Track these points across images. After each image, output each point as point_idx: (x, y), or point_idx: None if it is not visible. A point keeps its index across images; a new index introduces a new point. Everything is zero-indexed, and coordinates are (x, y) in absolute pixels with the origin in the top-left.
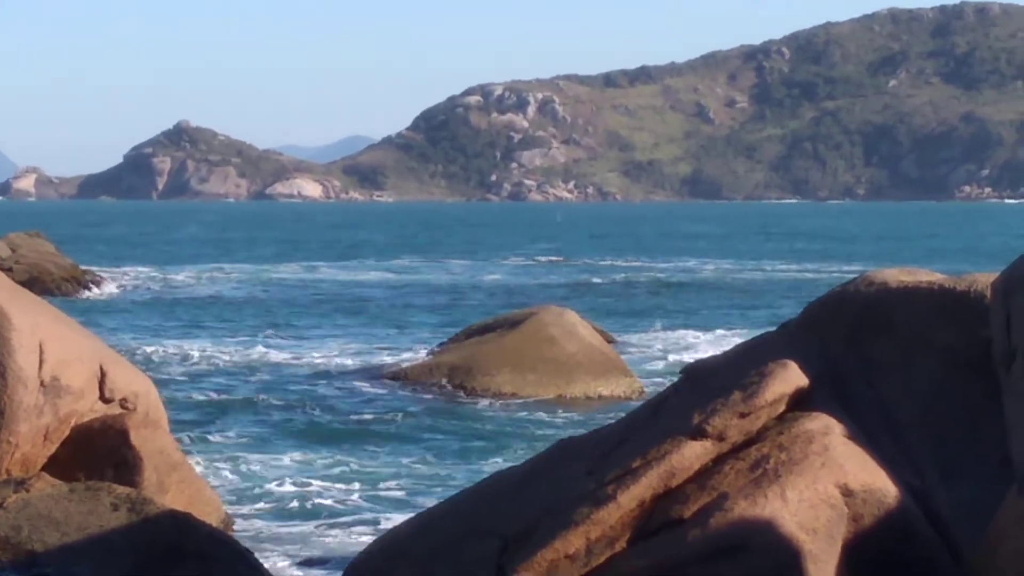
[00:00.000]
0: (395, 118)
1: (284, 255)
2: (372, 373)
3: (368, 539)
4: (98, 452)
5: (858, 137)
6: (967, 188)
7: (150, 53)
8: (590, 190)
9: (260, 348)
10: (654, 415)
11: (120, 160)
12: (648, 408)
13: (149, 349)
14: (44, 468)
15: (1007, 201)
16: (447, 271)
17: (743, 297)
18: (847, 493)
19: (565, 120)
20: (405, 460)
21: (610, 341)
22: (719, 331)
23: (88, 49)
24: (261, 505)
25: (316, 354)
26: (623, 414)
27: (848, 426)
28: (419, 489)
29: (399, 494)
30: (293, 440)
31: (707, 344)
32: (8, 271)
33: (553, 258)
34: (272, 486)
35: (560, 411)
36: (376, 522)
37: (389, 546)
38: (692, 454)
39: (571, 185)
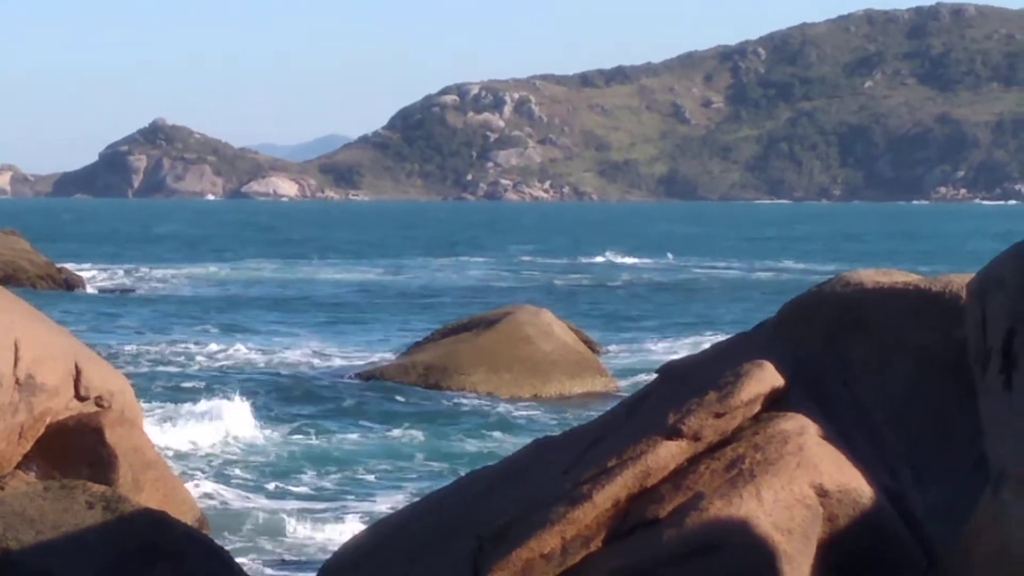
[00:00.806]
0: (371, 117)
1: (260, 254)
2: (346, 372)
3: (343, 538)
4: (73, 450)
5: (834, 138)
6: (942, 189)
7: (126, 50)
8: (566, 190)
9: (236, 346)
10: (630, 414)
11: (96, 158)
12: (624, 407)
13: (126, 347)
14: (18, 467)
15: (982, 203)
16: (424, 269)
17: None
18: (822, 493)
19: (541, 120)
20: (380, 458)
21: (585, 341)
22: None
23: (63, 46)
24: (236, 503)
25: (290, 352)
26: (599, 413)
27: (824, 426)
28: (394, 487)
29: (374, 492)
30: (267, 438)
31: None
32: None
33: (528, 257)
34: (246, 483)
35: (536, 410)
36: (351, 520)
37: (364, 545)
38: (667, 454)
39: (547, 185)
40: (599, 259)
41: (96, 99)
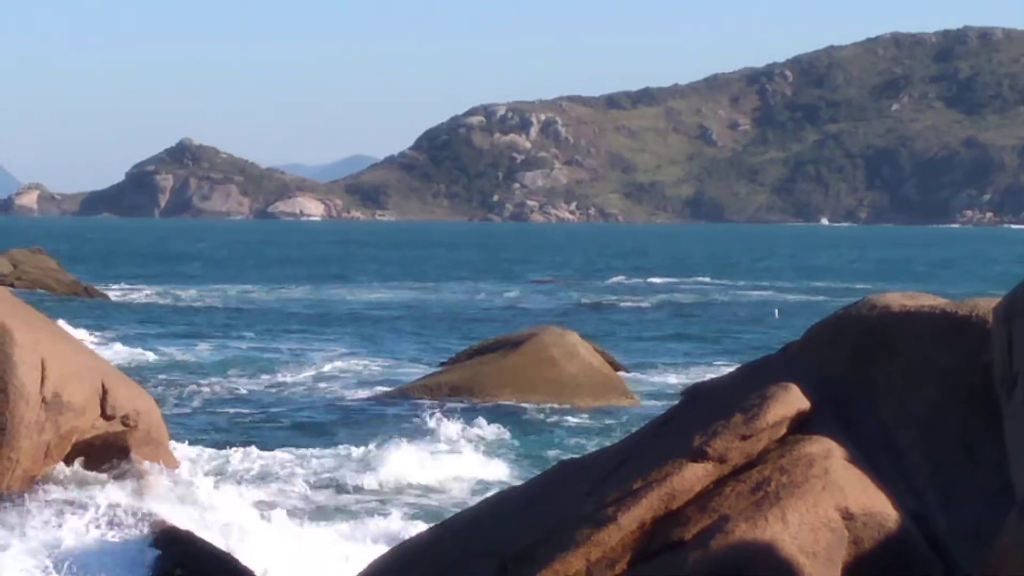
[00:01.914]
0: (398, 138)
1: (288, 275)
2: (374, 391)
3: (367, 555)
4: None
5: (860, 161)
6: (968, 212)
7: (154, 70)
8: (592, 211)
9: (262, 366)
10: (655, 436)
11: (123, 177)
12: (649, 429)
13: (146, 359)
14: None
15: (1010, 226)
16: (451, 291)
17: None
18: (848, 516)
19: (568, 141)
20: (406, 476)
21: (611, 363)
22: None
23: (92, 66)
24: (260, 521)
25: (317, 371)
26: (624, 435)
27: (849, 449)
28: (418, 505)
29: (399, 509)
30: (289, 455)
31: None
32: (10, 287)
33: (553, 279)
34: (272, 500)
35: (561, 431)
36: (375, 537)
37: (388, 566)
38: (693, 476)
39: (573, 206)
40: (645, 280)
41: (123, 119)
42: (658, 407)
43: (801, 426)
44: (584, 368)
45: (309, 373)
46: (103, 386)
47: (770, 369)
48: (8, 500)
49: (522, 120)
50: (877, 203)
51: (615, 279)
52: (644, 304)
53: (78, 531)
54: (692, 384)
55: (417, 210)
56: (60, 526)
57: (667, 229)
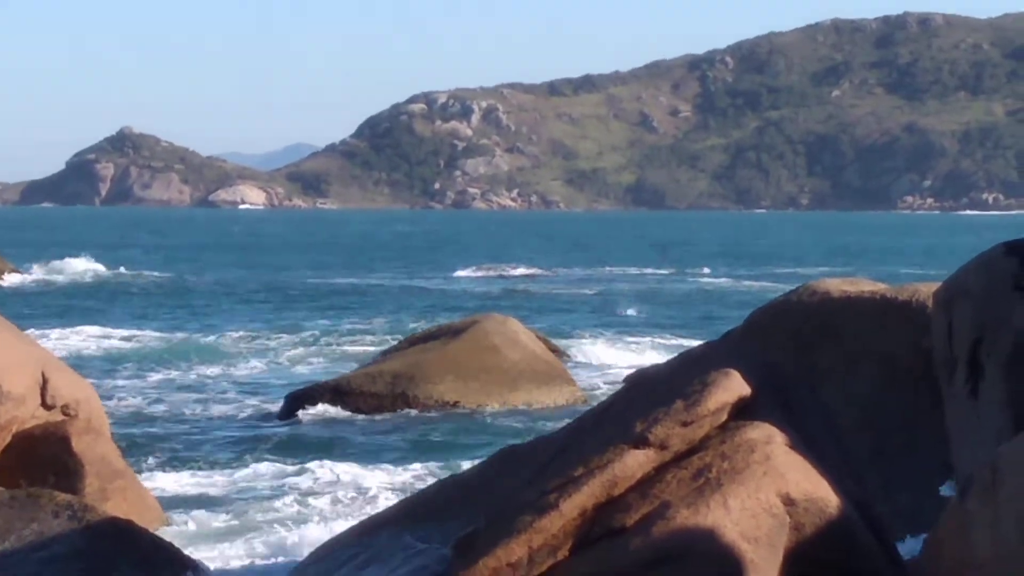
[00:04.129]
0: (339, 126)
1: (227, 263)
2: (312, 380)
3: (308, 548)
4: (39, 459)
5: (801, 147)
6: (909, 199)
7: (93, 59)
8: (534, 198)
9: (189, 360)
10: (597, 423)
11: (63, 166)
12: (591, 416)
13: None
14: None
15: (950, 212)
16: (391, 279)
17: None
18: (789, 502)
19: (509, 128)
20: (346, 467)
21: (553, 349)
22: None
23: (30, 53)
24: (201, 512)
25: (250, 365)
26: (566, 422)
27: (790, 435)
28: (360, 497)
29: (340, 502)
30: (229, 447)
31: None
32: None
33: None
34: (211, 492)
35: (503, 419)
36: (317, 528)
37: (328, 556)
38: (634, 463)
39: (515, 193)
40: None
41: (63, 107)
42: (599, 394)
43: (742, 412)
44: (526, 355)
45: (241, 363)
46: (43, 375)
47: (711, 355)
48: None
49: (463, 107)
50: (818, 189)
51: (561, 269)
52: (586, 291)
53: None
54: (633, 371)
55: (358, 198)
56: None
57: (608, 216)
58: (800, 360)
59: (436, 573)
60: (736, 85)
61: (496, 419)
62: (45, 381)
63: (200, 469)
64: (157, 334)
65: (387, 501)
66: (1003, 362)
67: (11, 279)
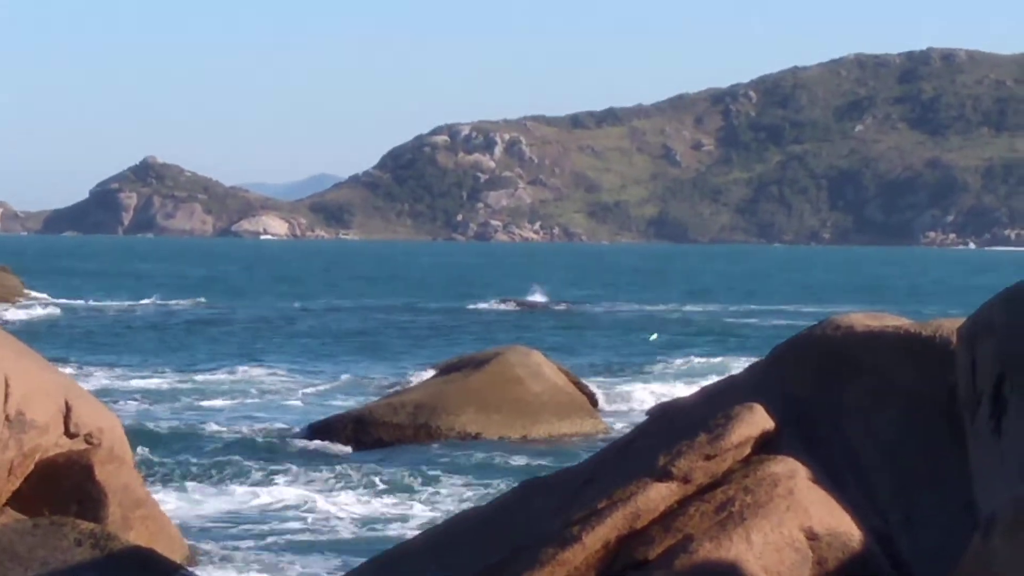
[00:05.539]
0: (362, 157)
1: (250, 292)
2: (336, 411)
3: None
4: (62, 487)
5: (824, 181)
6: (932, 234)
7: (118, 88)
8: (556, 231)
9: (223, 387)
10: (620, 456)
11: (87, 195)
12: (614, 449)
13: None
14: (7, 503)
15: (972, 247)
16: (413, 310)
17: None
18: (812, 536)
19: (532, 161)
20: (367, 497)
21: (575, 383)
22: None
23: (55, 84)
24: (221, 540)
25: (279, 393)
26: (588, 454)
27: (813, 469)
28: (382, 528)
29: (362, 532)
30: (253, 474)
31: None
32: None
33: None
34: (231, 521)
35: (525, 451)
36: (338, 558)
37: None
38: (657, 496)
39: (537, 226)
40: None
41: (87, 136)
42: (622, 427)
43: (766, 446)
44: (549, 387)
45: (268, 392)
46: (67, 404)
47: (735, 389)
48: None
49: (486, 140)
50: (840, 224)
51: (586, 306)
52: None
53: None
54: (657, 404)
55: (381, 229)
56: None
57: (632, 248)
58: (823, 394)
59: None
60: (759, 119)
61: (518, 451)
62: (69, 409)
63: (221, 495)
64: (183, 368)
65: (409, 533)
66: None
67: (39, 311)
